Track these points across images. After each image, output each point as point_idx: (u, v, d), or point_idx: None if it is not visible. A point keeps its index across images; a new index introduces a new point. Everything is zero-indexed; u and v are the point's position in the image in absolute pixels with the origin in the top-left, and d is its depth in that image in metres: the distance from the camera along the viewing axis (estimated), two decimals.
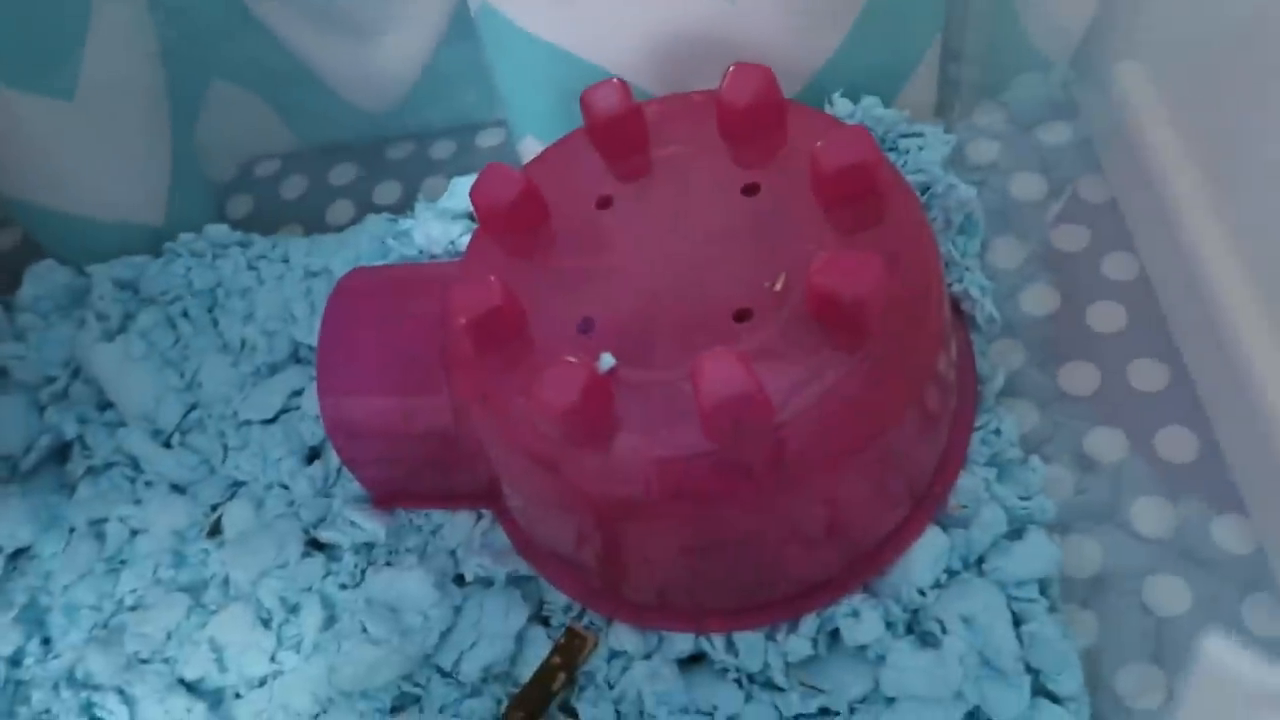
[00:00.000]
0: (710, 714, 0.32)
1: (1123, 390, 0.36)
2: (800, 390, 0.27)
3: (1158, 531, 0.33)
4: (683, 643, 0.32)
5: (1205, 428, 0.35)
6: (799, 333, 0.27)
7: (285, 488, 0.38)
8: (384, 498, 0.36)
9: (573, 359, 0.27)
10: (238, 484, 0.39)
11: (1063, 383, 0.37)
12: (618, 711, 0.32)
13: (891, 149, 0.38)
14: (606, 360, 0.28)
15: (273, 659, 0.35)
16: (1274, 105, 0.32)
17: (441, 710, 0.33)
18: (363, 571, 0.36)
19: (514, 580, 0.35)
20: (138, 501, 0.39)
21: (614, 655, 0.33)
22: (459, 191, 0.42)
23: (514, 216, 0.31)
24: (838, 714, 0.31)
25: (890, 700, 0.31)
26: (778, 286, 0.28)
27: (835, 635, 0.32)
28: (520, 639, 0.34)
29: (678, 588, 0.32)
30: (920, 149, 0.38)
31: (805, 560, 0.31)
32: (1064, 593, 0.32)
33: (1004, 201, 0.41)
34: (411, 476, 0.35)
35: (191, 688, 0.35)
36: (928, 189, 0.37)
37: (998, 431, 0.34)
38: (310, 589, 0.36)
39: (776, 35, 0.36)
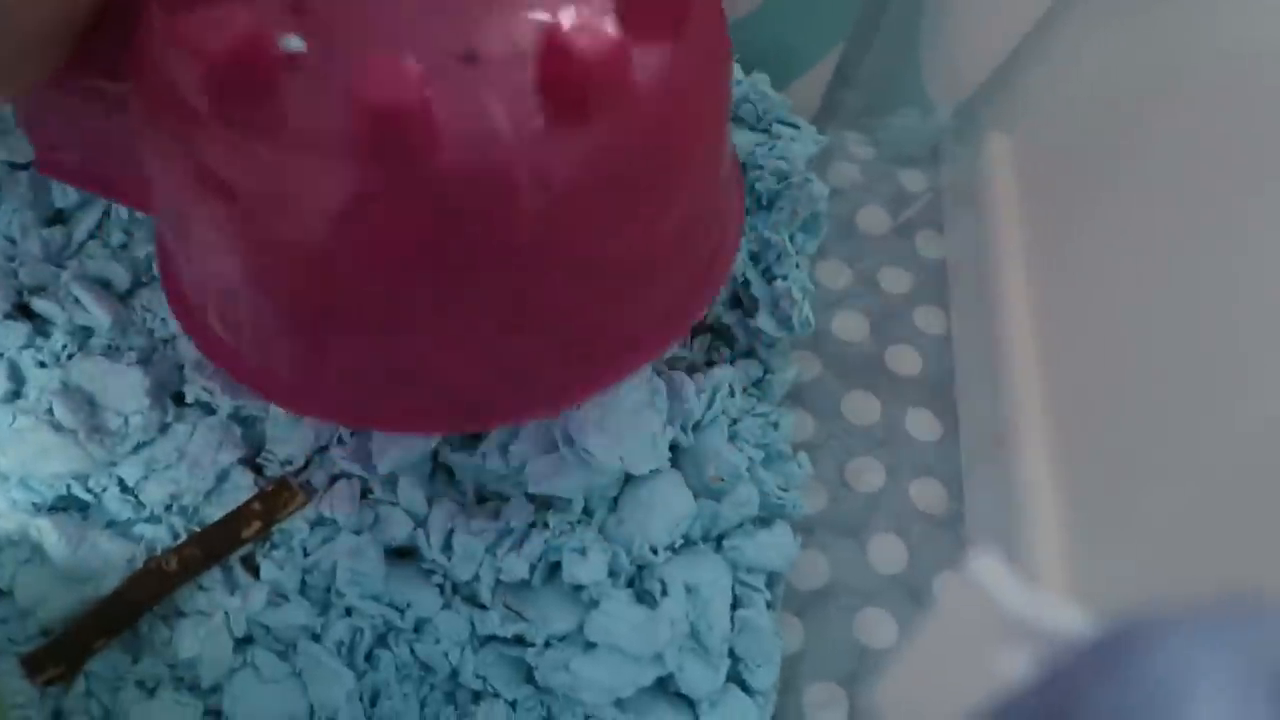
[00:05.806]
0: (401, 610, 0.30)
1: (897, 432, 0.37)
2: (495, 134, 0.21)
3: (888, 567, 0.34)
4: (397, 528, 0.30)
5: (958, 489, 0.36)
6: (520, 94, 0.21)
7: (11, 241, 0.33)
8: (47, 162, 0.28)
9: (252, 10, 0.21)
10: None
11: (845, 408, 0.37)
12: (304, 581, 0.30)
13: (765, 130, 0.38)
14: (294, 42, 0.21)
15: None
16: (1110, 214, 0.34)
17: (109, 526, 0.29)
18: (70, 356, 0.31)
19: (240, 419, 0.31)
20: None
21: (321, 522, 0.30)
22: None
23: None
24: (531, 645, 0.29)
25: (590, 645, 0.29)
26: (523, 47, 0.22)
27: (555, 569, 0.30)
28: (223, 477, 0.30)
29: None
30: (792, 140, 0.37)
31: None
32: (785, 597, 0.32)
33: (847, 225, 0.41)
34: (77, 140, 0.27)
35: None
36: (786, 178, 0.36)
37: (776, 425, 0.34)
38: (1, 355, 0.31)
39: None
